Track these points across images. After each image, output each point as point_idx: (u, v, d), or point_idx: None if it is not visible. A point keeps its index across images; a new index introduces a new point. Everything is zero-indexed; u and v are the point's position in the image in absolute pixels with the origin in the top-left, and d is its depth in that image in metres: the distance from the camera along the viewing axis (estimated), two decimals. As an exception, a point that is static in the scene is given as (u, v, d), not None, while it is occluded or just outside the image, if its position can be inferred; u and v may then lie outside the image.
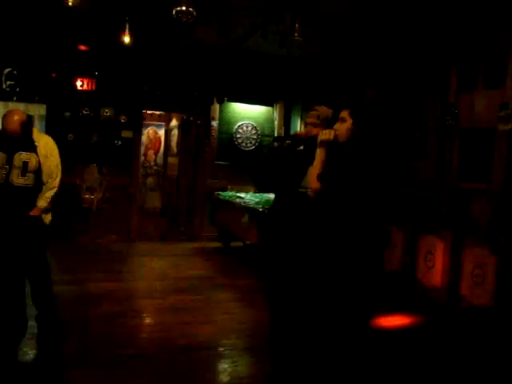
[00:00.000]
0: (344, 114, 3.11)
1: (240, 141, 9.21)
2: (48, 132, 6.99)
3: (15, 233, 3.91)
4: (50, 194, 4.01)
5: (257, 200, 7.32)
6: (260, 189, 7.25)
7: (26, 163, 3.91)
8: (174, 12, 4.85)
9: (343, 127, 3.08)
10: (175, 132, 11.09)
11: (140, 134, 9.16)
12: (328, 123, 3.41)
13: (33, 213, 3.93)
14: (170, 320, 4.84)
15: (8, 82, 7.72)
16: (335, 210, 3.04)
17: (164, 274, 6.64)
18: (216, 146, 9.12)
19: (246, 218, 6.86)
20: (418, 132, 5.92)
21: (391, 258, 5.39)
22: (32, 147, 3.96)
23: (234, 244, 8.33)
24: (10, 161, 3.88)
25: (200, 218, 9.02)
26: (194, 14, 4.75)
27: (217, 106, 9.04)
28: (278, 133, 9.25)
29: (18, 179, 3.90)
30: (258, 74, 8.78)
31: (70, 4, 4.89)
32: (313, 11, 5.78)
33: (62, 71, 8.01)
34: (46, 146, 4.04)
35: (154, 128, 11.91)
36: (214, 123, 9.07)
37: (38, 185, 3.98)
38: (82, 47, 7.99)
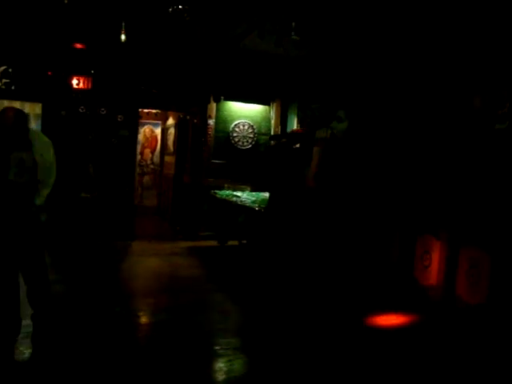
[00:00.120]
0: (340, 113, 3.12)
1: (237, 139, 9.20)
2: (44, 131, 6.97)
3: (11, 231, 3.90)
4: (45, 192, 4.00)
5: (253, 199, 7.34)
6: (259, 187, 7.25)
7: (22, 162, 3.90)
8: (170, 10, 4.85)
9: (339, 126, 3.08)
10: (172, 131, 11.08)
11: (136, 132, 9.15)
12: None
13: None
14: (165, 319, 4.84)
15: (3, 80, 7.69)
16: (330, 207, 3.05)
17: (159, 273, 6.63)
18: (213, 145, 9.10)
19: (242, 218, 6.87)
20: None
21: (390, 258, 5.41)
22: (28, 146, 3.94)
23: (230, 243, 8.32)
24: (6, 159, 3.87)
25: (196, 217, 9.00)
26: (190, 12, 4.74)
27: (213, 105, 9.02)
28: (274, 131, 9.25)
29: (14, 178, 3.88)
30: (255, 73, 8.77)
31: (65, 1, 4.87)
32: (309, 10, 5.78)
33: (58, 69, 7.97)
34: (41, 144, 4.03)
35: (151, 127, 11.91)
36: (211, 122, 9.05)
37: (34, 183, 3.96)
38: (78, 45, 7.95)
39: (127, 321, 4.76)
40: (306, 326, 4.66)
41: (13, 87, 7.73)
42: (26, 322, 4.07)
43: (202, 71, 8.68)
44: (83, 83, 8.15)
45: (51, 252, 6.58)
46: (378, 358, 4.06)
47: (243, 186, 8.64)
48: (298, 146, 3.73)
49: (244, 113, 9.27)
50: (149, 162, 11.98)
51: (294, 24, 5.94)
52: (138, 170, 10.89)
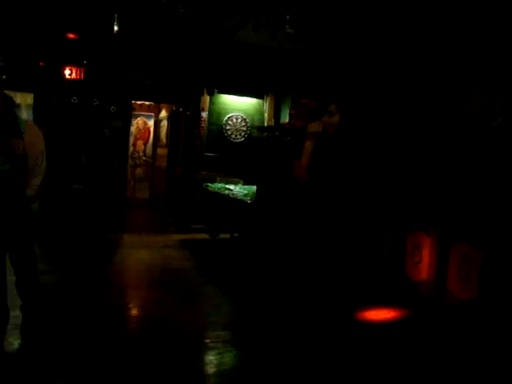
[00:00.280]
0: (332, 107, 3.11)
1: (230, 132, 9.18)
2: (35, 121, 6.89)
3: (1, 220, 3.88)
4: (36, 181, 3.98)
5: (245, 192, 7.34)
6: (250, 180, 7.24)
7: (12, 149, 3.87)
8: (164, 0, 4.82)
9: (331, 120, 3.08)
10: (165, 123, 11.04)
11: (129, 123, 9.09)
12: (312, 116, 3.41)
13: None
14: (156, 311, 4.84)
15: (-5, 70, 7.61)
16: (323, 200, 3.05)
17: (151, 265, 6.62)
18: (205, 138, 9.07)
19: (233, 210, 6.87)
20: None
21: (381, 254, 5.43)
22: (18, 133, 3.91)
23: (221, 236, 8.32)
24: None
25: (189, 210, 8.99)
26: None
27: (207, 98, 8.99)
28: (267, 125, 9.21)
29: (3, 165, 3.85)
30: (249, 66, 8.75)
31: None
32: (304, 3, 5.77)
33: (50, 60, 7.89)
34: (31, 132, 4.00)
35: (144, 118, 11.85)
36: (204, 114, 9.02)
37: (24, 171, 3.93)
38: (71, 35, 7.87)
39: (117, 313, 4.75)
40: (297, 320, 4.67)
41: (4, 77, 7.65)
42: (16, 313, 4.05)
43: (195, 63, 8.64)
44: (76, 73, 8.08)
45: (42, 243, 6.58)
46: (369, 352, 4.07)
47: (236, 180, 8.63)
48: (288, 138, 3.73)
49: (237, 106, 9.24)
50: (141, 153, 11.93)
51: (288, 17, 5.93)
52: (130, 161, 10.84)
